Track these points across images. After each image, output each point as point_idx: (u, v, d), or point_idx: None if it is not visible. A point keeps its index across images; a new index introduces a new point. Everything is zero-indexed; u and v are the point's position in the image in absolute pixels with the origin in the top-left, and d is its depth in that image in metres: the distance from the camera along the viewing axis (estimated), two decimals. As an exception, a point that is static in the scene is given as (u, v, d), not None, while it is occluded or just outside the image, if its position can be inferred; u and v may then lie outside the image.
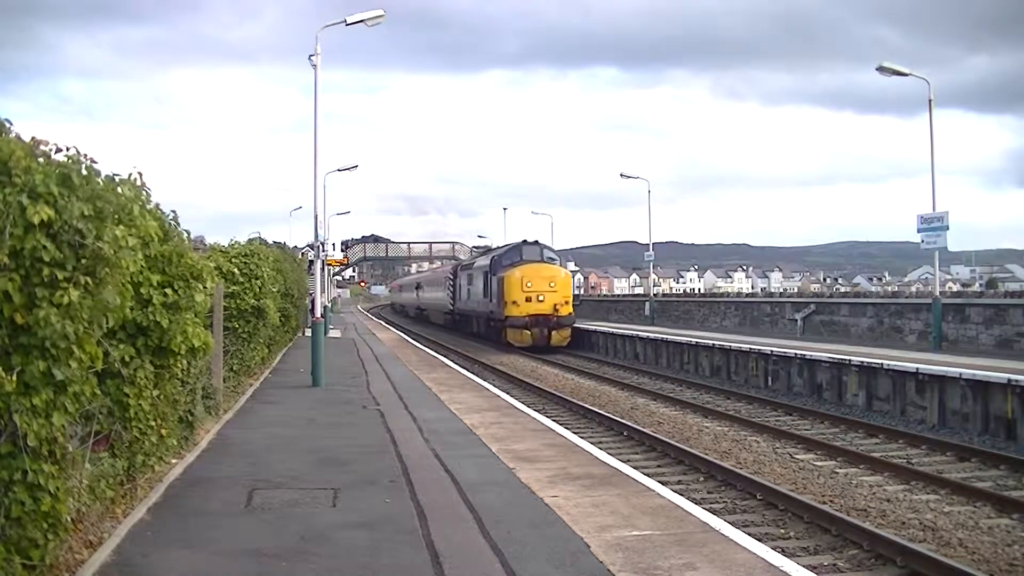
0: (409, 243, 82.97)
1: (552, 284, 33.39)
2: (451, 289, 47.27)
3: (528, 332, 32.59)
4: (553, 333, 32.85)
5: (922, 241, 22.21)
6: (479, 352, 32.22)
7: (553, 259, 35.96)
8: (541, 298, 32.79)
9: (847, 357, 18.29)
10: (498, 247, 41.45)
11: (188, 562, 5.80)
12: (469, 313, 42.36)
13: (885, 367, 16.87)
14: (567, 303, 33.59)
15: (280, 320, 20.08)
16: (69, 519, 5.08)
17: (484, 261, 39.01)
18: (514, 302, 32.91)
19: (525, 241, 36.99)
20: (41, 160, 4.62)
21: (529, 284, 33.06)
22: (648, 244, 40.71)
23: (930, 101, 21.87)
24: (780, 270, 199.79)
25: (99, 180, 4.93)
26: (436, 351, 28.91)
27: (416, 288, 69.38)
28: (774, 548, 6.64)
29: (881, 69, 21.90)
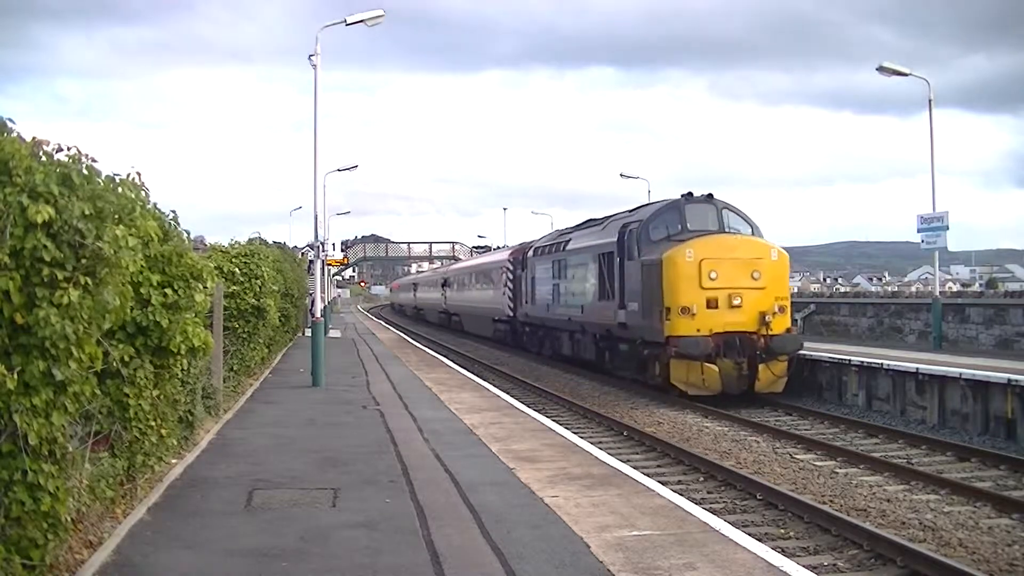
0: (409, 243, 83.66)
1: (755, 274, 17.77)
2: (509, 286, 32.53)
3: (712, 367, 17.09)
4: (761, 368, 17.49)
5: (922, 241, 22.30)
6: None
7: (745, 229, 19.27)
8: (737, 300, 17.55)
9: (847, 357, 18.28)
10: (630, 209, 22.53)
11: (188, 562, 5.80)
12: (553, 324, 26.73)
13: (885, 367, 16.86)
14: (783, 310, 18.02)
15: (280, 320, 20.11)
16: (69, 519, 5.08)
17: (598, 237, 22.53)
18: (684, 309, 17.40)
19: (689, 195, 19.56)
20: (43, 159, 4.62)
21: (713, 274, 17.46)
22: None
23: (930, 101, 21.92)
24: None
25: (99, 180, 4.93)
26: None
27: (443, 285, 50.87)
28: (774, 548, 6.64)
29: (881, 69, 21.94)
